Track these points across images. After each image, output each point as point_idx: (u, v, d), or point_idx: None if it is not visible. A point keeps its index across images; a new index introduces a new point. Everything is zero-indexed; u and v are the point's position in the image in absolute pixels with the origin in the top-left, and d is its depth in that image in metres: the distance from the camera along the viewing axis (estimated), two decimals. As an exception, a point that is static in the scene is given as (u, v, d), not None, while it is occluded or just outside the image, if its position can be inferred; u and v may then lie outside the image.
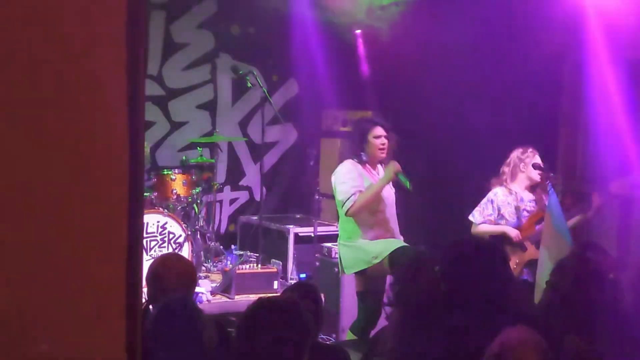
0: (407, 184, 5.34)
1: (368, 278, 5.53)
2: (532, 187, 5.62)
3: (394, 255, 5.27)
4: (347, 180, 5.37)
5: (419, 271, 3.41)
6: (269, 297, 2.74)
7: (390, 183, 5.59)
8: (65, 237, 1.15)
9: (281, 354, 2.49)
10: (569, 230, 5.20)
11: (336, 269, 6.14)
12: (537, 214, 5.56)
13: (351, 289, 6.00)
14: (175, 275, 3.40)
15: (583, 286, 3.07)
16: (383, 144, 5.43)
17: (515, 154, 5.62)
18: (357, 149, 5.49)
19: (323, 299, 6.37)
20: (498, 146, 5.77)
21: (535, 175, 5.54)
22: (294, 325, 2.51)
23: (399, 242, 5.42)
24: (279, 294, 5.60)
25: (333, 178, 5.50)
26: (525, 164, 5.57)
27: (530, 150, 5.60)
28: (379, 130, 5.46)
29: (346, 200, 5.32)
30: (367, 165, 5.49)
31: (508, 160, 5.63)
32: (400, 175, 5.33)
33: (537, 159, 5.58)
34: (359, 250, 5.45)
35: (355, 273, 5.57)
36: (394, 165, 5.33)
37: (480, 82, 6.76)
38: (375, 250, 5.37)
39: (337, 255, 5.86)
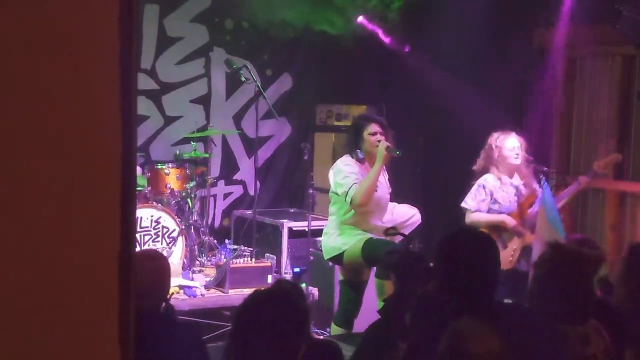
0: (397, 152, 5.37)
1: (347, 269, 5.57)
2: (515, 171, 5.59)
3: (365, 245, 5.31)
4: (349, 174, 5.37)
5: (412, 264, 3.41)
6: (262, 290, 2.73)
7: (388, 185, 5.62)
8: (55, 230, 1.14)
9: (278, 346, 2.50)
10: (562, 224, 5.22)
11: (330, 263, 6.15)
12: (529, 197, 5.55)
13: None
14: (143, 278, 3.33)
15: (559, 275, 3.09)
16: (378, 141, 5.39)
17: (490, 141, 5.58)
18: (354, 145, 5.49)
19: (317, 293, 6.45)
20: (490, 135, 5.75)
21: (512, 159, 5.50)
22: (289, 317, 2.52)
23: (367, 234, 5.44)
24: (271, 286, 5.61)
25: (331, 172, 5.50)
26: (501, 149, 5.53)
27: (498, 134, 5.56)
28: (374, 127, 5.44)
29: (347, 191, 5.30)
30: (365, 163, 5.47)
31: (486, 150, 5.60)
32: (390, 150, 5.35)
33: (511, 141, 5.53)
34: (331, 236, 5.53)
35: (337, 262, 5.63)
36: (383, 145, 5.33)
37: (475, 78, 6.77)
38: (344, 238, 5.43)
39: (322, 243, 5.83)
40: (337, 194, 5.44)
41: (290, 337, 2.51)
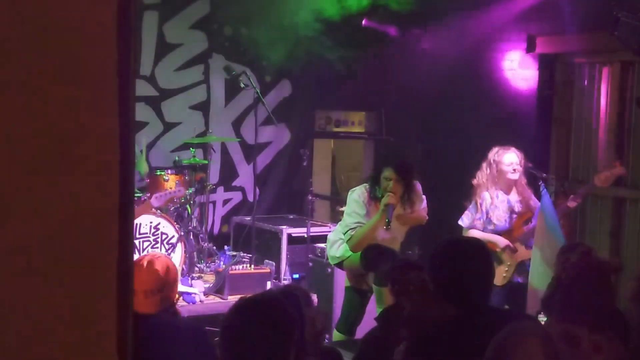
0: (387, 221, 5.27)
1: (352, 276, 5.59)
2: (512, 187, 5.59)
3: (365, 254, 5.32)
4: (352, 213, 5.45)
5: (407, 274, 3.42)
6: (251, 297, 2.72)
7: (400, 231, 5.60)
8: (53, 238, 1.14)
9: (264, 354, 2.49)
10: (562, 231, 5.22)
11: (329, 269, 6.15)
12: (525, 214, 5.56)
13: (343, 289, 6.01)
14: (145, 282, 3.36)
15: (584, 281, 3.10)
16: (388, 189, 5.33)
17: (489, 156, 5.60)
18: (373, 182, 5.49)
19: (315, 299, 6.44)
20: (491, 149, 5.75)
21: (511, 173, 5.51)
22: (276, 325, 2.51)
23: None
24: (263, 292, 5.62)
25: (348, 198, 5.56)
26: (499, 163, 5.54)
27: (497, 149, 5.57)
28: (389, 173, 5.38)
29: (345, 233, 5.42)
30: (378, 202, 5.41)
31: (485, 165, 5.60)
32: (385, 211, 5.27)
33: (510, 156, 5.53)
34: (337, 244, 5.57)
35: (339, 267, 5.68)
36: (385, 200, 5.29)
37: (473, 84, 6.78)
38: (346, 247, 5.48)
39: (327, 248, 5.88)
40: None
41: (276, 345, 2.50)
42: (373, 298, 5.50)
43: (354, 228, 5.37)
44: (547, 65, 6.90)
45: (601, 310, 3.09)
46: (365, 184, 5.57)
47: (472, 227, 5.57)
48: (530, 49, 6.81)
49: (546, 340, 2.39)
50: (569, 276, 3.16)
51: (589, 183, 5.55)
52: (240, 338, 2.50)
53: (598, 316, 3.07)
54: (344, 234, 5.43)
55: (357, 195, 5.50)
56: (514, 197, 5.58)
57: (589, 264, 3.18)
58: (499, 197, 5.54)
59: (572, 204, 5.45)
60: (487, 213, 5.53)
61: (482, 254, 3.11)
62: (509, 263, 5.48)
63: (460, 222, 5.63)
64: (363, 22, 7.71)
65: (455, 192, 5.79)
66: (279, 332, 2.50)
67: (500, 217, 5.53)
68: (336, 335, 5.63)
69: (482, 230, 5.56)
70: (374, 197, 5.45)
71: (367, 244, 5.36)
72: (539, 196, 5.50)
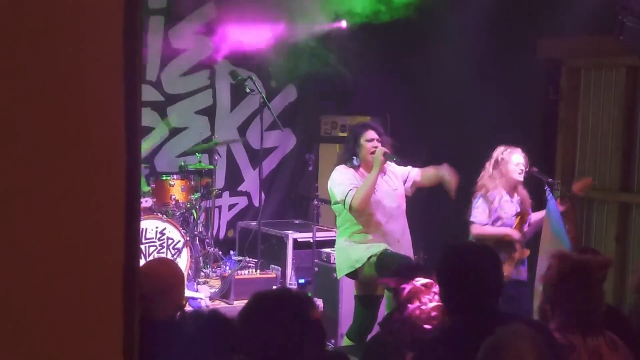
0: (394, 158, 5.49)
1: (362, 282, 5.56)
2: (515, 187, 5.60)
3: (379, 260, 5.32)
4: (343, 181, 5.45)
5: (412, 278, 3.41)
6: (273, 290, 2.73)
7: (401, 191, 5.64)
8: (60, 242, 1.15)
9: (286, 355, 2.49)
10: (568, 237, 5.21)
11: (335, 274, 6.15)
12: (523, 214, 5.58)
13: (350, 295, 6.01)
14: (151, 284, 3.35)
15: (567, 284, 3.08)
16: (375, 147, 5.47)
17: (496, 155, 5.61)
18: (350, 153, 5.56)
19: (322, 304, 6.44)
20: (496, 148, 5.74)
21: (516, 174, 5.52)
22: (298, 316, 2.51)
23: (381, 245, 5.42)
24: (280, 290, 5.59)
25: (329, 184, 5.57)
26: (505, 163, 5.55)
27: (504, 149, 5.58)
28: (370, 134, 5.53)
29: (345, 197, 5.37)
30: (359, 169, 5.53)
31: (490, 163, 5.62)
32: (387, 156, 5.43)
33: (517, 156, 5.54)
34: (344, 253, 5.56)
35: (353, 277, 5.62)
36: (380, 152, 5.42)
37: (478, 88, 6.77)
38: (357, 254, 5.45)
39: (335, 261, 5.89)
40: (337, 203, 5.48)
41: (297, 349, 2.50)
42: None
43: (352, 189, 5.38)
44: (553, 70, 6.89)
45: (591, 313, 3.05)
46: (338, 167, 5.60)
47: (485, 223, 5.54)
48: (536, 53, 6.82)
49: (536, 343, 2.39)
50: (552, 284, 3.14)
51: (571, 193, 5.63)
52: (264, 329, 2.49)
53: (589, 320, 3.04)
54: (344, 199, 5.39)
55: (336, 170, 5.56)
56: (515, 197, 5.59)
57: (570, 266, 3.14)
58: (504, 196, 5.55)
59: (561, 208, 5.49)
60: (496, 210, 5.54)
61: (490, 259, 3.10)
62: (515, 260, 5.50)
63: (472, 219, 5.55)
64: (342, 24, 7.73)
65: (459, 196, 5.77)
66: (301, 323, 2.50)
67: (507, 213, 5.54)
68: (345, 341, 5.63)
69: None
70: (353, 167, 5.53)
71: (383, 249, 5.35)
72: (544, 201, 5.49)
